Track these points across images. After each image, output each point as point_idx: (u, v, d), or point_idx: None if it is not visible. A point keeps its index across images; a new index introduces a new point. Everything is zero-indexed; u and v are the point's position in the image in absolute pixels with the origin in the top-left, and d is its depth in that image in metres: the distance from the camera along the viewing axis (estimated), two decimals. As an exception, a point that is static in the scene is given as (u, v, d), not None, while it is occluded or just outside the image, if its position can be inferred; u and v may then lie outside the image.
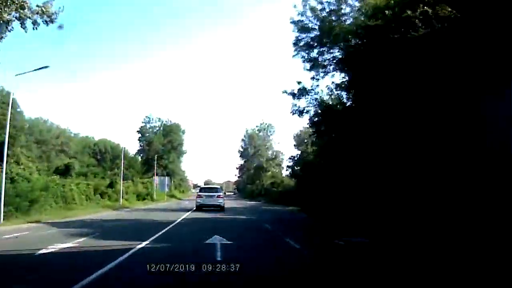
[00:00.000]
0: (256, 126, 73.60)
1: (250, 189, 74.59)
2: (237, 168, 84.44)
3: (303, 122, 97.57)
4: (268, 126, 72.54)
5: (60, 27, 14.53)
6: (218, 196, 30.77)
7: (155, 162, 59.03)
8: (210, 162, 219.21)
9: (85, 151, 61.67)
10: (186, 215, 25.84)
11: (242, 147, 76.50)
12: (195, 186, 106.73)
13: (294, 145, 56.01)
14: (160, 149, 69.26)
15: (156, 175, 60.68)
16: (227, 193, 77.13)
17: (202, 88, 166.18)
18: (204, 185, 69.68)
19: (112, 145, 65.15)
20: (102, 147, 63.44)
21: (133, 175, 59.61)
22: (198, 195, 32.20)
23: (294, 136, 58.83)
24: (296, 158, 43.96)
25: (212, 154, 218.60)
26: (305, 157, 39.16)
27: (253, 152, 71.66)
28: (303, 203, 29.82)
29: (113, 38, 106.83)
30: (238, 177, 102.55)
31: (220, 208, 29.28)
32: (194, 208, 30.51)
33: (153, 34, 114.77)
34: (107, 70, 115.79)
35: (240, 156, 76.73)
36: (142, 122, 70.17)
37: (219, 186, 40.36)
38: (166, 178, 58.06)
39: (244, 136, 74.80)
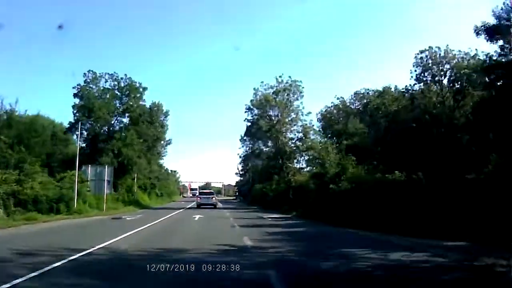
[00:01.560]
0: (271, 87, 43.13)
1: (260, 191, 47.01)
2: (240, 157, 56.73)
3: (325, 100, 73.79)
4: (293, 83, 42.29)
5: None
6: (212, 198, 43.22)
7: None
8: (209, 165, 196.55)
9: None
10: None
11: (248, 122, 45.39)
12: (192, 190, 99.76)
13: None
14: (112, 123, 41.79)
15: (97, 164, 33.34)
16: (227, 199, 74.70)
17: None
18: (201, 189, 77.16)
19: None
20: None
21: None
22: (198, 197, 45.52)
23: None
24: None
25: (212, 157, 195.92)
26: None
27: (268, 128, 42.11)
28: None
29: None
30: (240, 175, 75.17)
31: (213, 206, 40.56)
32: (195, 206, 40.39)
33: None
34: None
35: (244, 138, 47.83)
36: (84, 83, 42.22)
37: (212, 191, 58.14)
38: (106, 169, 30.61)
39: (252, 102, 44.01)
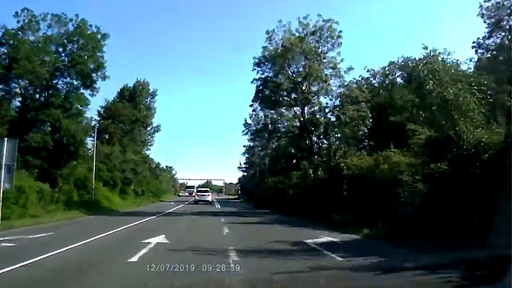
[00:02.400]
0: (292, 34, 27.50)
1: (272, 188, 32.84)
2: (244, 147, 43.66)
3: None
4: (325, 25, 27.17)
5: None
6: (208, 195, 46.90)
7: None
8: (211, 163, 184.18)
9: None
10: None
11: (257, 83, 28.72)
12: (188, 188, 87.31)
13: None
14: (52, 84, 27.37)
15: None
16: (227, 199, 70.91)
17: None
18: (198, 188, 69.80)
19: None
20: None
21: None
22: (196, 194, 50.19)
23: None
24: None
25: (213, 154, 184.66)
26: None
27: (291, 87, 27.09)
28: None
29: None
30: (244, 169, 61.57)
31: (209, 202, 44.62)
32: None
33: None
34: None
35: (252, 115, 32.06)
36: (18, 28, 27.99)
37: (208, 189, 56.17)
38: (6, 143, 16.48)
39: (264, 52, 27.69)
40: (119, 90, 57.84)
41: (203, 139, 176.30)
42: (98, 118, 47.60)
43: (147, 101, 60.57)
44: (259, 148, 57.54)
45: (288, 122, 28.32)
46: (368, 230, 12.82)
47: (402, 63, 44.69)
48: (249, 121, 35.60)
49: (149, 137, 62.54)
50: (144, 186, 49.00)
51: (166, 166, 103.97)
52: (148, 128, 62.26)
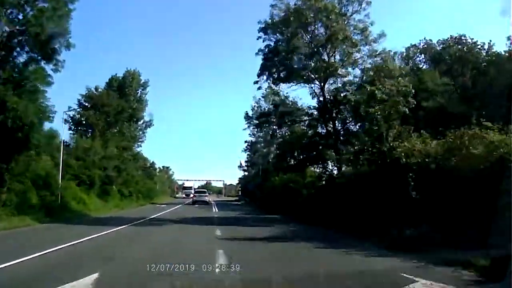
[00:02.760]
0: None
1: (280, 188, 26.82)
2: (246, 142, 38.00)
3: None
4: None
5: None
6: (205, 196, 48.99)
7: None
8: (210, 164, 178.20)
9: None
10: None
11: (265, 50, 21.23)
12: (185, 188, 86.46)
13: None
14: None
15: None
16: (227, 201, 67.33)
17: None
18: (197, 188, 75.01)
19: None
20: None
21: None
22: (194, 195, 52.63)
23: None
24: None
25: (213, 155, 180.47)
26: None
27: (310, 51, 19.95)
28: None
29: None
30: (245, 167, 55.99)
31: (207, 203, 45.16)
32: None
33: None
34: None
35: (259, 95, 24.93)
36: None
37: (205, 190, 62.22)
38: None
39: (273, 12, 20.68)
40: (107, 81, 52.15)
41: (203, 139, 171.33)
42: (79, 109, 41.97)
43: (138, 93, 54.63)
44: (262, 145, 51.54)
45: (302, 102, 22.00)
46: (486, 261, 6.67)
47: (425, 46, 40.49)
48: (251, 114, 30.36)
49: (140, 132, 56.42)
50: (132, 186, 42.84)
51: (163, 166, 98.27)
52: (140, 123, 56.22)
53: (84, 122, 41.07)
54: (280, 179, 27.10)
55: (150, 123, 56.52)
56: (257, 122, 44.68)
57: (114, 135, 40.76)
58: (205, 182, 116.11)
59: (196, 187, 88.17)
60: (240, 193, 77.41)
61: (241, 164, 63.00)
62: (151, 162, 71.82)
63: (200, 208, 36.44)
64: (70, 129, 41.33)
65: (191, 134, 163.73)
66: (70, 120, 40.80)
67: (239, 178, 70.90)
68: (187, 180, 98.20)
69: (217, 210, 34.44)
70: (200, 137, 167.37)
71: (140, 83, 54.64)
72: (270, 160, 44.31)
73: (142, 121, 56.04)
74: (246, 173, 63.43)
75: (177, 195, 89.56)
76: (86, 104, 42.43)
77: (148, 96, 54.66)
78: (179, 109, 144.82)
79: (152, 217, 23.35)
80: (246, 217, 24.95)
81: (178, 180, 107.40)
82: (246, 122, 47.51)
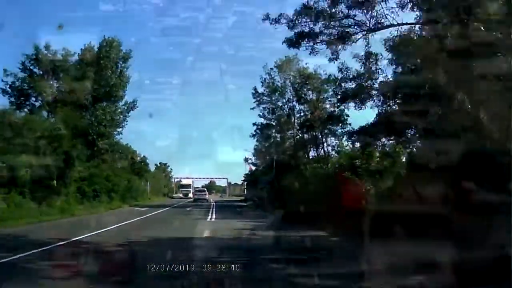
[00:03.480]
0: None
1: (321, 177, 15.00)
2: (254, 124, 28.67)
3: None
4: None
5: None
6: (205, 194, 54.78)
7: None
8: (214, 162, 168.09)
9: None
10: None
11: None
12: (182, 187, 79.99)
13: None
14: None
15: None
16: (229, 201, 58.65)
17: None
18: (196, 187, 74.63)
19: None
20: None
21: None
22: (194, 193, 60.07)
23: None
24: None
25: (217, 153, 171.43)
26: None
27: None
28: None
29: None
30: (254, 161, 44.95)
31: (206, 201, 48.68)
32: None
33: None
34: None
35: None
36: None
37: (205, 189, 67.33)
38: None
39: None
40: (79, 52, 40.61)
41: (205, 138, 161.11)
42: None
43: (118, 66, 42.85)
44: (274, 130, 39.84)
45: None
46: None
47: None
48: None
49: (121, 116, 44.37)
50: (99, 184, 31.16)
51: (160, 163, 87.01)
52: (120, 104, 44.19)
53: (30, 91, 29.69)
54: (321, 167, 15.20)
55: (133, 105, 44.43)
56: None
57: (68, 111, 29.05)
58: (208, 181, 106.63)
59: (200, 186, 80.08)
60: (246, 192, 65.77)
61: (248, 156, 51.31)
62: (141, 156, 60.28)
63: (188, 215, 25.16)
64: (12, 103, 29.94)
65: (192, 134, 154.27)
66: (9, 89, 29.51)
67: (245, 174, 58.99)
68: (186, 178, 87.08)
69: (214, 218, 22.91)
70: (204, 134, 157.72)
71: (121, 54, 42.97)
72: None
73: (123, 102, 44.27)
74: (254, 168, 51.77)
75: (174, 195, 78.40)
76: (35, 70, 31.04)
77: (129, 71, 42.76)
78: (179, 107, 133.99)
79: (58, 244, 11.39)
80: (267, 241, 12.82)
81: (182, 178, 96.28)
82: (255, 100, 36.09)
